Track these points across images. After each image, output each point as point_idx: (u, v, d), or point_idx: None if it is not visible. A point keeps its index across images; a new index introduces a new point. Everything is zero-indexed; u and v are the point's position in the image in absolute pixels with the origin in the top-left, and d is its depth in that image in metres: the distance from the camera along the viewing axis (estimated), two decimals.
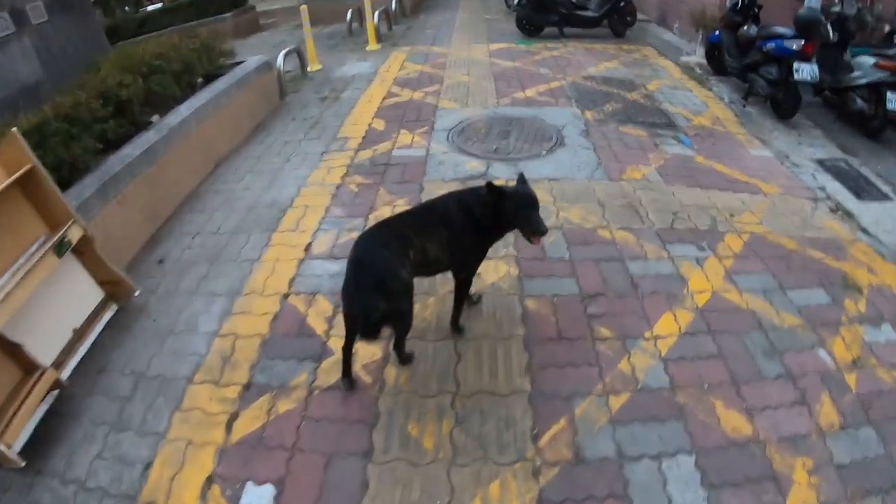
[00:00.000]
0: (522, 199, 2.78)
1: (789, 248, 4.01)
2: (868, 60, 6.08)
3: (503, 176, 4.91)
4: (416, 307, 3.18)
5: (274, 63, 7.58)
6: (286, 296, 3.67)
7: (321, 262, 3.94)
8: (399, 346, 2.96)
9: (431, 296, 3.56)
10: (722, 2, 8.62)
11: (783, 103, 6.44)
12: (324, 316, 3.45)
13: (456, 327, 3.23)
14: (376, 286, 2.45)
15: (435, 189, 4.45)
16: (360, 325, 2.60)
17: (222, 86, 6.16)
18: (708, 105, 6.87)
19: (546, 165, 5.13)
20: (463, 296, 3.13)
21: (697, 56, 8.84)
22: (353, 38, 11.23)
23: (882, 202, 4.73)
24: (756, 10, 7.11)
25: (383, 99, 7.24)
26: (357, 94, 7.56)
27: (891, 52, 5.89)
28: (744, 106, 6.81)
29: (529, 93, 7.15)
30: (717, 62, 7.80)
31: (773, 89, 6.43)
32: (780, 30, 6.47)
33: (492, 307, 3.45)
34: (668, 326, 3.25)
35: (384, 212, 4.42)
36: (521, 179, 2.95)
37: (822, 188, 4.84)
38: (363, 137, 6.01)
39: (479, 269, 3.15)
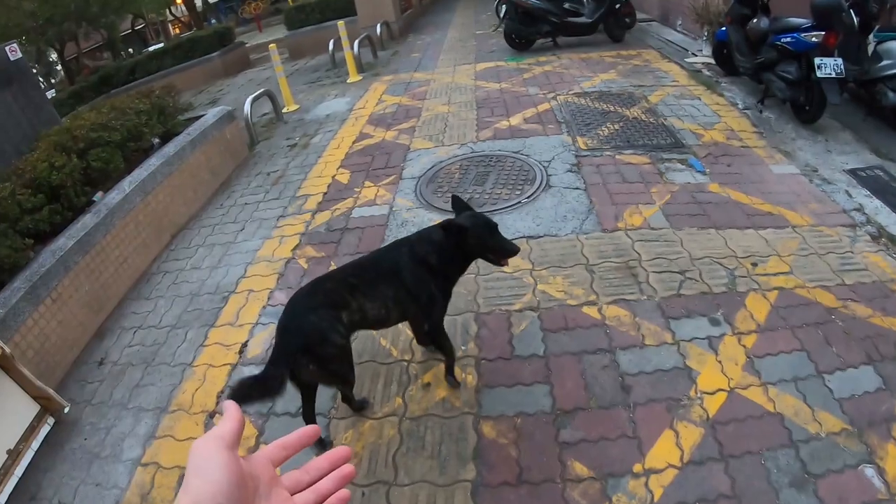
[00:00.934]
0: (483, 229, 2.57)
1: (827, 305, 3.15)
2: None
3: None
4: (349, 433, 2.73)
5: (242, 109, 7.09)
6: (212, 415, 3.14)
7: (254, 371, 3.28)
8: (346, 399, 2.79)
9: (365, 420, 2.84)
10: None
11: (806, 106, 5.56)
12: (246, 446, 2.86)
13: (450, 377, 2.95)
14: (303, 352, 2.33)
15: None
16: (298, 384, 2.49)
17: (173, 149, 5.62)
18: (720, 115, 6.00)
19: (525, 219, 4.36)
20: (441, 341, 2.82)
21: (704, 56, 7.97)
22: (336, 69, 10.66)
23: None
24: (765, 1, 6.23)
25: (354, 142, 6.61)
26: (328, 137, 6.94)
27: None
28: (760, 112, 5.94)
29: (514, 120, 6.39)
30: (726, 62, 6.94)
31: (794, 91, 5.55)
32: (796, 21, 5.60)
33: (438, 437, 2.70)
34: (667, 452, 2.43)
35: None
36: (458, 203, 2.75)
37: (860, 208, 4.04)
38: (324, 194, 5.38)
39: (429, 380, 2.74)
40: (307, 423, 2.53)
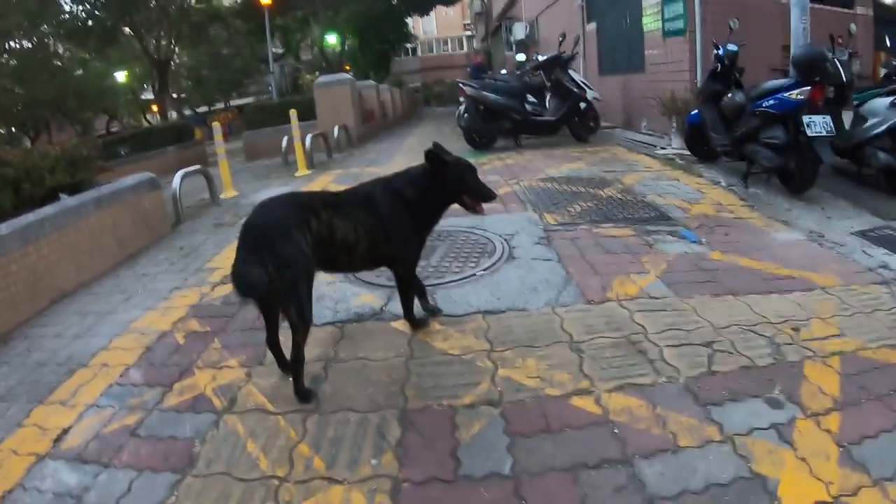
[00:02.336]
0: (464, 167, 2.71)
1: None
2: (882, 102, 4.93)
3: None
4: None
5: (170, 182, 6.24)
6: None
7: (60, 468, 2.23)
8: (295, 355, 2.38)
9: None
10: (691, 83, 7.55)
11: (798, 172, 4.94)
12: None
13: (410, 319, 2.93)
14: (263, 246, 2.23)
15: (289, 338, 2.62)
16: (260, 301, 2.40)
17: (73, 203, 4.67)
18: (703, 192, 5.33)
19: (481, 291, 3.36)
20: (407, 290, 2.87)
21: (675, 147, 7.52)
22: (287, 167, 9.93)
23: None
24: (738, 75, 5.83)
25: None
26: None
27: None
28: (746, 187, 5.30)
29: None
30: (700, 146, 6.44)
31: (782, 157, 4.94)
32: (775, 83, 5.14)
33: None
34: None
35: (200, 379, 2.73)
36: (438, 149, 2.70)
37: (885, 266, 3.49)
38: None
39: None
40: (272, 351, 2.61)
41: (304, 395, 2.42)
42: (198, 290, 3.98)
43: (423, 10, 32.06)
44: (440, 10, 36.99)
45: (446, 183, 2.65)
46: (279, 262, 2.22)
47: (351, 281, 3.71)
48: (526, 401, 2.26)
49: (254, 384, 2.62)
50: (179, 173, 6.41)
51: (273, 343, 2.58)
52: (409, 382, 2.49)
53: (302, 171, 9.00)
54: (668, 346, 2.55)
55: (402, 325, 3.03)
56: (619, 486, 1.77)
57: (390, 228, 2.58)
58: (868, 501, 1.64)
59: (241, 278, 2.21)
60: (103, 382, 2.84)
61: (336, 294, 3.50)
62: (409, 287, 2.87)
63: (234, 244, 4.53)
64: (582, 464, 1.90)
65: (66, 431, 2.45)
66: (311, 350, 2.64)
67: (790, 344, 2.54)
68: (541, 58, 9.45)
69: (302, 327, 2.36)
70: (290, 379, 2.48)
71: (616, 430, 2.03)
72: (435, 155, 2.62)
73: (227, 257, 4.64)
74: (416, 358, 2.69)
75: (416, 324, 2.93)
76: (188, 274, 4.39)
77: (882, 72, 5.82)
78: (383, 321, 3.12)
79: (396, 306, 3.26)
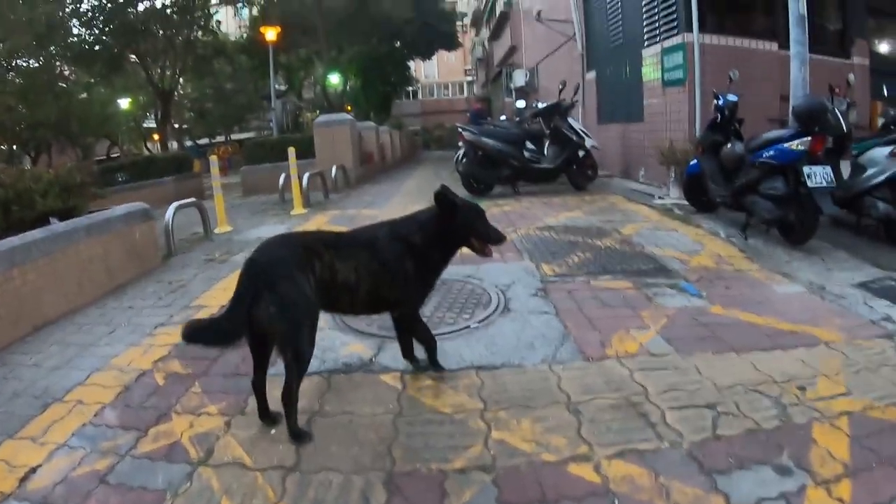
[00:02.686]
0: (472, 210, 2.70)
1: None
2: (881, 152, 4.99)
3: (399, 367, 3.05)
4: None
5: (163, 215, 6.21)
6: None
7: None
8: (288, 396, 2.31)
9: None
10: (690, 134, 7.61)
11: (798, 223, 4.94)
12: None
13: (410, 358, 2.93)
14: (265, 285, 2.20)
15: (278, 385, 2.52)
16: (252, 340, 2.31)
17: (63, 228, 4.63)
18: (702, 243, 5.29)
19: (475, 346, 3.26)
20: (420, 332, 2.82)
21: (673, 197, 7.55)
22: (284, 205, 9.89)
23: None
24: (737, 126, 5.87)
25: None
26: None
27: None
28: (745, 238, 5.27)
29: (465, 250, 5.50)
30: (699, 197, 6.46)
31: (782, 209, 4.94)
32: (775, 133, 5.18)
33: None
34: None
35: (177, 426, 2.61)
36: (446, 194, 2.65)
37: (889, 318, 3.41)
38: (222, 307, 4.23)
39: None
40: (261, 415, 2.49)
41: (298, 435, 2.35)
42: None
43: (426, 54, 32.75)
44: (442, 55, 37.82)
45: (456, 227, 2.63)
46: (281, 304, 2.19)
47: (341, 328, 3.62)
48: (520, 467, 2.14)
49: (233, 435, 2.49)
50: (173, 205, 6.40)
51: (259, 386, 2.48)
52: (396, 442, 2.37)
53: (298, 209, 8.99)
54: (670, 407, 2.45)
55: (392, 378, 2.93)
56: None
57: (394, 271, 2.55)
58: None
59: (242, 307, 2.21)
60: (77, 421, 2.72)
61: (324, 342, 3.38)
62: (422, 327, 2.83)
63: (224, 282, 4.51)
64: None
65: (33, 470, 2.33)
66: None
67: (796, 405, 2.45)
68: (540, 105, 9.56)
69: (296, 370, 2.31)
70: (272, 431, 2.39)
71: (616, 502, 1.93)
72: (444, 197, 2.60)
73: (214, 296, 4.60)
74: (406, 416, 2.57)
75: (418, 366, 2.91)
76: (174, 310, 4.31)
77: (880, 121, 5.96)
78: (373, 373, 3.01)
79: (387, 357, 3.17)
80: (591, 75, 12.29)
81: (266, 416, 2.51)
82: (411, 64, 33.94)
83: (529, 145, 9.00)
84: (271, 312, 2.18)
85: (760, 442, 2.20)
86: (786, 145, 4.82)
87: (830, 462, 2.06)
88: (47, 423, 2.72)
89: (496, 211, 7.48)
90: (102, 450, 2.45)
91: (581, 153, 8.81)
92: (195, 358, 3.31)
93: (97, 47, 19.84)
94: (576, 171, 8.96)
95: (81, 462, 2.37)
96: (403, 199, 9.71)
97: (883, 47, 10.34)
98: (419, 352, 2.95)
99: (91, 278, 4.78)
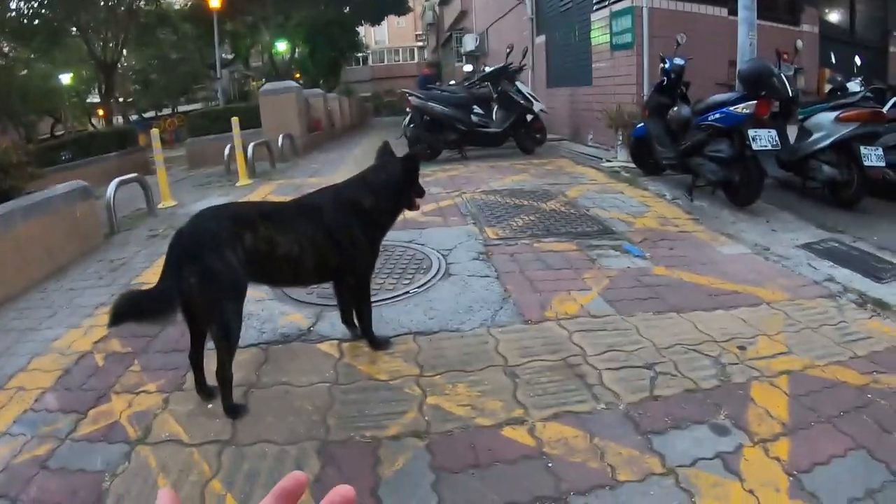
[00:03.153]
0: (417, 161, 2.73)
1: (854, 383, 2.29)
2: (827, 117, 5.00)
3: (337, 335, 2.91)
4: None
5: (105, 192, 5.85)
6: None
7: None
8: (221, 373, 2.24)
9: None
10: (638, 97, 7.56)
11: (743, 185, 4.95)
12: None
13: (369, 337, 2.74)
14: (188, 257, 2.15)
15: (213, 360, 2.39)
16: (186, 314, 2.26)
17: None
18: (648, 205, 5.27)
19: (413, 311, 3.14)
20: (363, 301, 2.70)
21: (620, 160, 7.52)
22: (229, 176, 9.50)
23: None
24: (684, 89, 5.82)
25: None
26: None
27: (851, 100, 4.91)
28: (691, 201, 5.27)
29: (409, 213, 5.34)
30: (646, 160, 6.43)
31: (727, 171, 4.95)
32: (721, 97, 5.19)
33: None
34: None
35: (116, 405, 2.48)
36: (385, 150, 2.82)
37: (831, 279, 3.46)
38: None
39: None
40: (194, 370, 2.40)
41: (233, 410, 2.28)
42: None
43: (375, 19, 31.77)
44: (392, 20, 36.80)
45: (408, 180, 2.63)
46: (202, 275, 2.13)
47: (280, 298, 3.44)
48: (454, 432, 2.05)
49: (170, 411, 2.37)
50: (114, 182, 6.00)
51: (196, 360, 2.40)
52: (331, 411, 2.25)
53: (243, 180, 8.63)
54: (607, 368, 2.39)
55: (329, 346, 2.80)
56: None
57: (340, 238, 2.48)
58: None
59: (166, 281, 2.16)
60: (18, 408, 2.57)
61: (264, 313, 3.23)
62: (367, 299, 2.73)
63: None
64: (512, 503, 1.70)
65: None
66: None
67: (736, 364, 2.43)
68: (488, 69, 9.36)
69: (225, 346, 2.23)
70: (208, 406, 2.30)
71: (550, 465, 1.84)
72: (412, 156, 2.71)
73: (156, 273, 4.30)
74: (341, 384, 2.45)
75: (378, 343, 2.75)
76: (115, 289, 4.05)
77: (827, 87, 5.97)
78: (310, 342, 2.88)
79: (325, 326, 3.02)
80: (541, 39, 12.12)
81: (203, 390, 2.42)
82: (361, 30, 32.94)
83: (477, 109, 8.79)
84: (192, 284, 2.12)
85: (698, 401, 2.15)
86: (731, 108, 4.81)
87: (768, 421, 2.03)
88: None
89: (443, 175, 7.31)
90: (43, 435, 2.35)
91: (529, 117, 8.68)
92: (134, 336, 3.14)
93: (36, 21, 18.58)
94: (524, 135, 8.83)
95: (22, 449, 2.26)
96: (351, 165, 9.39)
97: (833, 16, 10.48)
98: None
99: (30, 262, 4.47)
